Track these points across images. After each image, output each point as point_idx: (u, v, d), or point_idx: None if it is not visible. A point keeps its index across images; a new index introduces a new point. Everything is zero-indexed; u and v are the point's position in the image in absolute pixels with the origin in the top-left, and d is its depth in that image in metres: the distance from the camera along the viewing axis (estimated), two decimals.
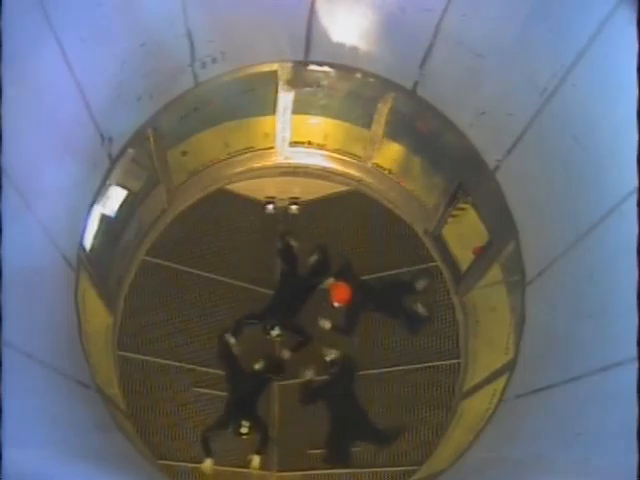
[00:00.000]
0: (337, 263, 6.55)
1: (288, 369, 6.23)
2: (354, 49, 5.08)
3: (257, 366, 6.12)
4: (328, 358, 6.10)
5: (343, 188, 6.77)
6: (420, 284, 6.35)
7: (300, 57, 5.27)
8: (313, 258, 6.54)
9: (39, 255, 3.87)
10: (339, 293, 6.24)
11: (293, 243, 6.56)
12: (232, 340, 6.16)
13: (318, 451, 6.05)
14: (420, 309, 6.29)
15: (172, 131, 5.51)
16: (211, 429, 5.95)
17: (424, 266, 6.51)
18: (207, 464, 5.83)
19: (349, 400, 6.04)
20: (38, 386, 3.49)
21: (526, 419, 4.32)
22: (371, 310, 6.38)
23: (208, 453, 5.86)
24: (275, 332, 6.18)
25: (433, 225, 6.37)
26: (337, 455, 6.00)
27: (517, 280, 4.87)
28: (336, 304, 6.24)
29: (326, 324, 6.27)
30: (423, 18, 4.34)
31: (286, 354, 6.24)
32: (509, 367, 4.89)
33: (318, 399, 6.05)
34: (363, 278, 6.50)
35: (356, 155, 6.49)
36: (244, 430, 5.85)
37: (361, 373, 6.24)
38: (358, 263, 6.59)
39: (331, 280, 6.36)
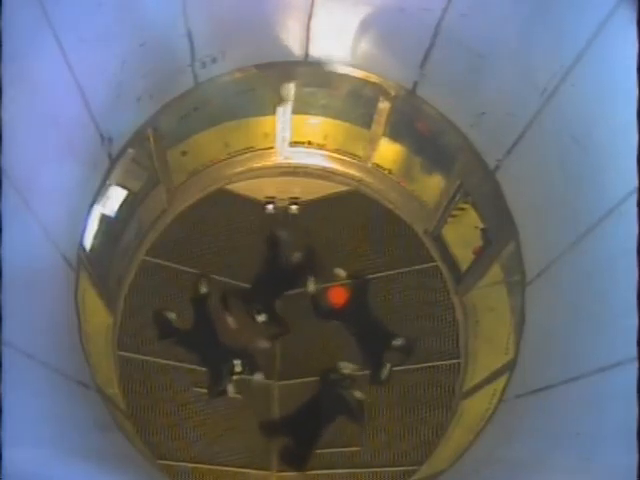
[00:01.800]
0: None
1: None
2: (354, 49, 5.08)
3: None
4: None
5: (343, 188, 6.77)
6: (398, 341, 6.27)
7: (300, 57, 5.26)
8: (297, 256, 6.56)
9: (39, 255, 3.87)
10: (336, 295, 6.30)
11: (281, 234, 6.60)
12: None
13: (318, 451, 6.05)
14: (384, 371, 6.22)
15: (172, 131, 5.51)
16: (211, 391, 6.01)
17: (424, 266, 6.51)
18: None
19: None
20: (38, 386, 3.49)
21: (526, 419, 4.32)
22: (351, 335, 6.38)
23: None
24: (261, 318, 6.24)
25: (433, 225, 6.36)
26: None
27: (517, 280, 4.86)
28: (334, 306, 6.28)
29: (340, 272, 6.40)
30: (423, 18, 4.34)
31: (263, 344, 6.29)
32: (509, 367, 4.89)
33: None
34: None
35: (356, 155, 6.49)
36: (238, 369, 5.97)
37: (362, 373, 6.24)
38: (358, 263, 6.59)
39: (313, 287, 6.43)
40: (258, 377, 6.15)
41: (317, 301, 6.40)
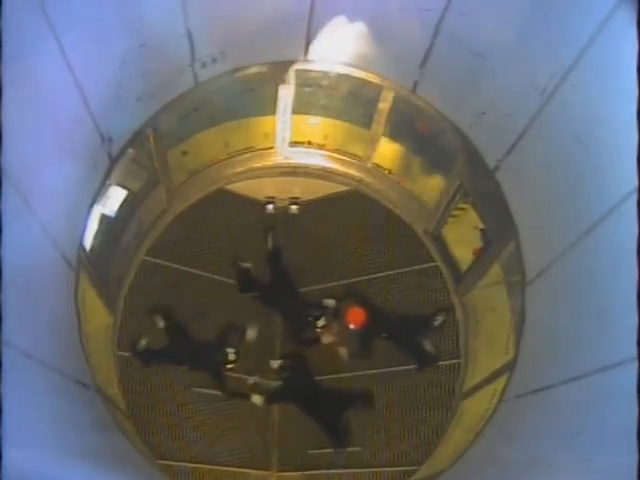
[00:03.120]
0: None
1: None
2: (354, 49, 5.08)
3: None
4: (275, 366, 6.16)
5: (343, 188, 6.77)
6: (437, 320, 6.25)
7: (300, 57, 5.27)
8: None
9: (39, 255, 3.87)
10: (354, 316, 6.20)
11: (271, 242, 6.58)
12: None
13: (318, 451, 6.06)
14: (428, 347, 6.22)
15: (172, 131, 5.51)
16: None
17: (424, 266, 6.51)
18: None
19: (313, 392, 6.11)
20: (38, 386, 3.49)
21: (526, 419, 4.32)
22: (384, 339, 6.32)
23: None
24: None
25: (433, 225, 6.37)
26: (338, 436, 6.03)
27: (517, 280, 4.87)
28: (351, 326, 6.20)
29: (343, 352, 6.28)
30: (423, 18, 4.34)
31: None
32: (509, 367, 4.89)
33: (281, 401, 6.13)
34: (379, 305, 6.44)
35: (356, 155, 6.49)
36: (232, 357, 5.93)
37: (362, 373, 6.25)
38: (358, 263, 6.59)
39: (331, 301, 6.36)
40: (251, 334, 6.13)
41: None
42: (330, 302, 6.35)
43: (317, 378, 6.25)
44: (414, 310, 6.39)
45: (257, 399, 6.00)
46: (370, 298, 6.46)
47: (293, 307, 6.48)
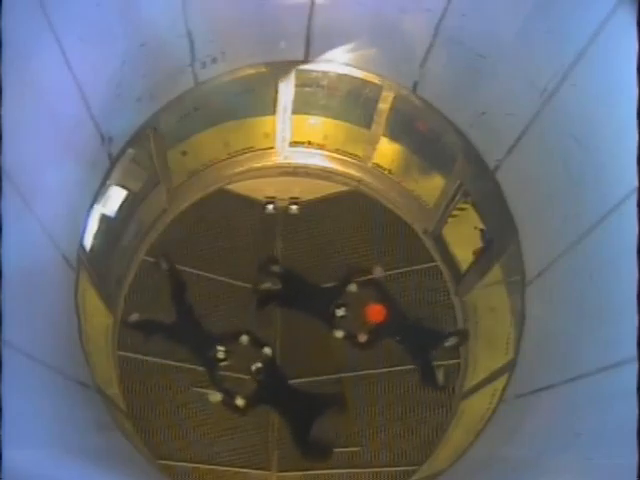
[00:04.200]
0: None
1: None
2: (354, 49, 5.08)
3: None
4: (253, 367, 6.10)
5: (343, 188, 6.77)
6: (450, 341, 6.17)
7: (300, 57, 5.26)
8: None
9: (39, 255, 3.87)
10: (375, 313, 6.23)
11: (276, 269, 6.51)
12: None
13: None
14: (440, 376, 6.15)
15: (172, 131, 5.51)
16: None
17: (424, 266, 6.51)
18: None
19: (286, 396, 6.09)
20: (38, 386, 3.49)
21: (526, 419, 4.32)
22: (396, 342, 6.30)
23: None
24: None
25: (433, 225, 6.37)
26: (309, 449, 6.00)
27: (517, 280, 4.86)
28: (372, 322, 6.22)
29: (339, 333, 6.26)
30: (423, 18, 4.34)
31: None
32: (509, 367, 4.89)
33: (258, 404, 6.10)
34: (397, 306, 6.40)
35: (356, 155, 6.49)
36: (221, 355, 5.98)
37: (362, 373, 6.24)
38: (358, 263, 6.59)
39: (353, 286, 6.34)
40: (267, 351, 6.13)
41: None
42: (353, 287, 6.35)
43: (316, 379, 6.24)
44: (425, 319, 6.33)
45: (240, 401, 5.98)
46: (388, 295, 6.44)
47: (314, 300, 6.42)
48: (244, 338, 6.15)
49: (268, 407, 6.11)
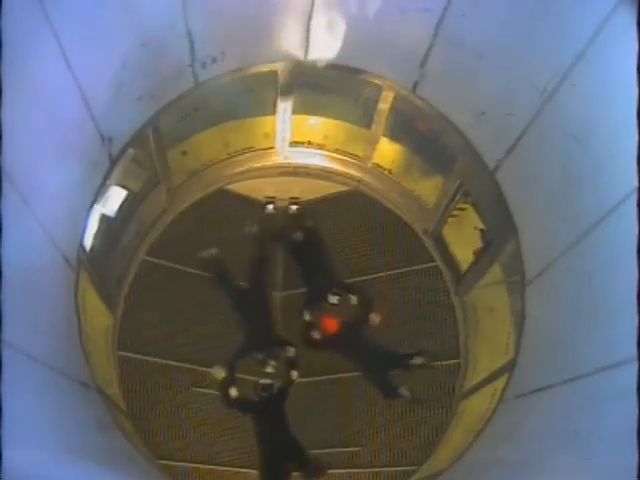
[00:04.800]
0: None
1: None
2: (354, 49, 5.07)
3: None
4: (262, 381, 6.09)
5: (343, 188, 6.78)
6: (416, 360, 6.14)
7: (300, 57, 5.27)
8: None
9: (39, 255, 3.87)
10: (329, 324, 6.27)
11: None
12: None
13: (318, 451, 6.05)
14: (403, 392, 6.12)
15: (172, 131, 5.51)
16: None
17: (424, 266, 6.51)
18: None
19: (279, 423, 5.97)
20: (38, 386, 3.49)
21: (526, 419, 4.32)
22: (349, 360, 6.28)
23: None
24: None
25: (433, 225, 6.37)
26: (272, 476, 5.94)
27: (517, 280, 4.86)
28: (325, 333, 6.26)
29: (307, 315, 6.30)
30: (423, 18, 4.34)
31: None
32: (509, 367, 4.89)
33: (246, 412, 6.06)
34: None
35: (356, 155, 6.49)
36: (269, 369, 6.05)
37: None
38: (358, 263, 6.59)
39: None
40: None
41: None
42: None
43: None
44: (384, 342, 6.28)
45: (234, 393, 5.95)
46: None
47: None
48: (291, 350, 6.18)
49: (251, 418, 6.03)
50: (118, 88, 4.36)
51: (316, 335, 6.27)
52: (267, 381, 6.07)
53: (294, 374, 6.08)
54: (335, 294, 6.28)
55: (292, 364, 6.14)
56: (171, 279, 6.34)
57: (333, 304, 6.27)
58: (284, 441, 5.90)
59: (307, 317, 6.33)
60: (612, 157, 3.42)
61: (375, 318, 6.30)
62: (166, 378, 6.09)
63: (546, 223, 4.40)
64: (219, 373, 6.04)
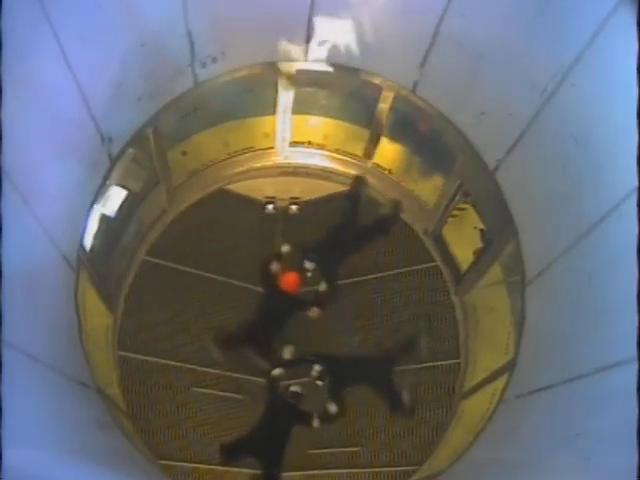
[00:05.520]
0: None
1: None
2: (354, 49, 5.08)
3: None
4: (293, 389, 5.94)
5: (343, 188, 6.77)
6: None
7: (300, 57, 5.27)
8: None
9: (39, 255, 3.87)
10: (289, 282, 6.11)
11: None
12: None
13: (318, 451, 6.05)
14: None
15: (172, 131, 5.52)
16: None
17: (424, 266, 6.51)
18: None
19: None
20: (38, 386, 3.49)
21: (526, 419, 4.32)
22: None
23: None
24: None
25: (433, 225, 6.37)
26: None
27: (517, 280, 4.87)
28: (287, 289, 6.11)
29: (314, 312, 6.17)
30: (423, 18, 4.34)
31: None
32: (509, 367, 4.89)
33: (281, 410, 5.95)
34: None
35: (356, 155, 6.49)
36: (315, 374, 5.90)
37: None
38: (358, 263, 6.58)
39: (286, 247, 6.28)
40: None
41: None
42: (285, 248, 6.27)
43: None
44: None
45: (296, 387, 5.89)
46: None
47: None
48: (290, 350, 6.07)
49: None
50: (118, 88, 4.36)
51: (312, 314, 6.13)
52: (297, 390, 5.96)
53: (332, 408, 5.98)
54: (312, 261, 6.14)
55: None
56: (171, 279, 6.34)
57: (306, 269, 6.15)
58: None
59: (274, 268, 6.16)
60: (612, 157, 3.43)
61: (315, 311, 6.16)
62: (166, 378, 6.07)
63: (546, 223, 4.40)
64: (287, 353, 5.99)
